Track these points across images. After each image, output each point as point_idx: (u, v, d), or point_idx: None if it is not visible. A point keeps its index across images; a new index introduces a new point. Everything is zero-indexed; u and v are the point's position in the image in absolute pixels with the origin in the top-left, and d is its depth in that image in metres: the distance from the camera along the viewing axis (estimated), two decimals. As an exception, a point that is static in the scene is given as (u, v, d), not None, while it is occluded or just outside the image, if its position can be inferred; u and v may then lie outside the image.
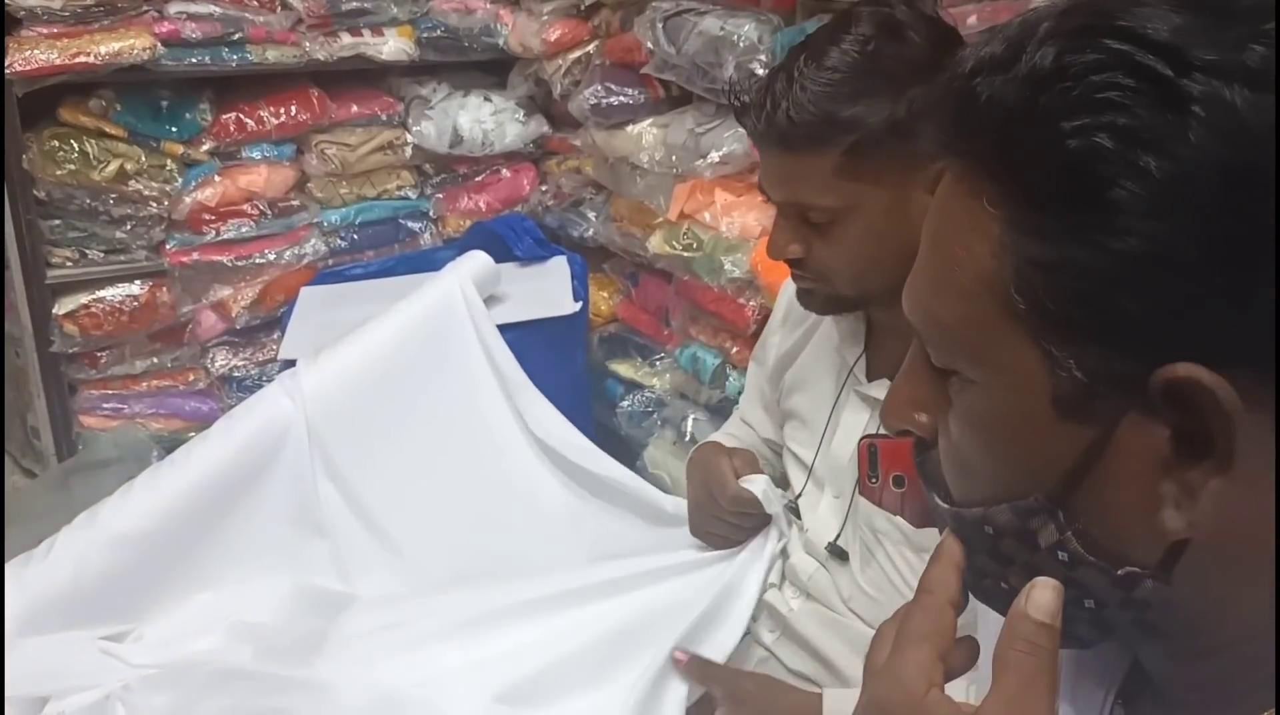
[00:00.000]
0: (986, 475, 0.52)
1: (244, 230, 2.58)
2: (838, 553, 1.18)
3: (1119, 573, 0.48)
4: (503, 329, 1.99)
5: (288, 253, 2.64)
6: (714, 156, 2.12)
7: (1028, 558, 0.51)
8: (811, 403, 1.24)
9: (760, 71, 2.03)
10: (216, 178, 2.54)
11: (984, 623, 0.68)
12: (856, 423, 1.16)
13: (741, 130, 2.10)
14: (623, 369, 2.56)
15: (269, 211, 2.60)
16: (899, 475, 1.08)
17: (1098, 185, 0.44)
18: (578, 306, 2.13)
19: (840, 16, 1.05)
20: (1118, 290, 0.44)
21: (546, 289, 2.16)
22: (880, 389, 1.12)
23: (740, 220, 2.10)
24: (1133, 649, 0.55)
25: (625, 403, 2.52)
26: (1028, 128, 0.46)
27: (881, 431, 1.09)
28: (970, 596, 0.59)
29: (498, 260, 2.06)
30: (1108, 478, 0.47)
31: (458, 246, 2.50)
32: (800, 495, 1.24)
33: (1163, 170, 0.43)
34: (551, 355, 2.19)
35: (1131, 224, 0.43)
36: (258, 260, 2.60)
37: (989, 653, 0.65)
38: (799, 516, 1.25)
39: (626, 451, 2.47)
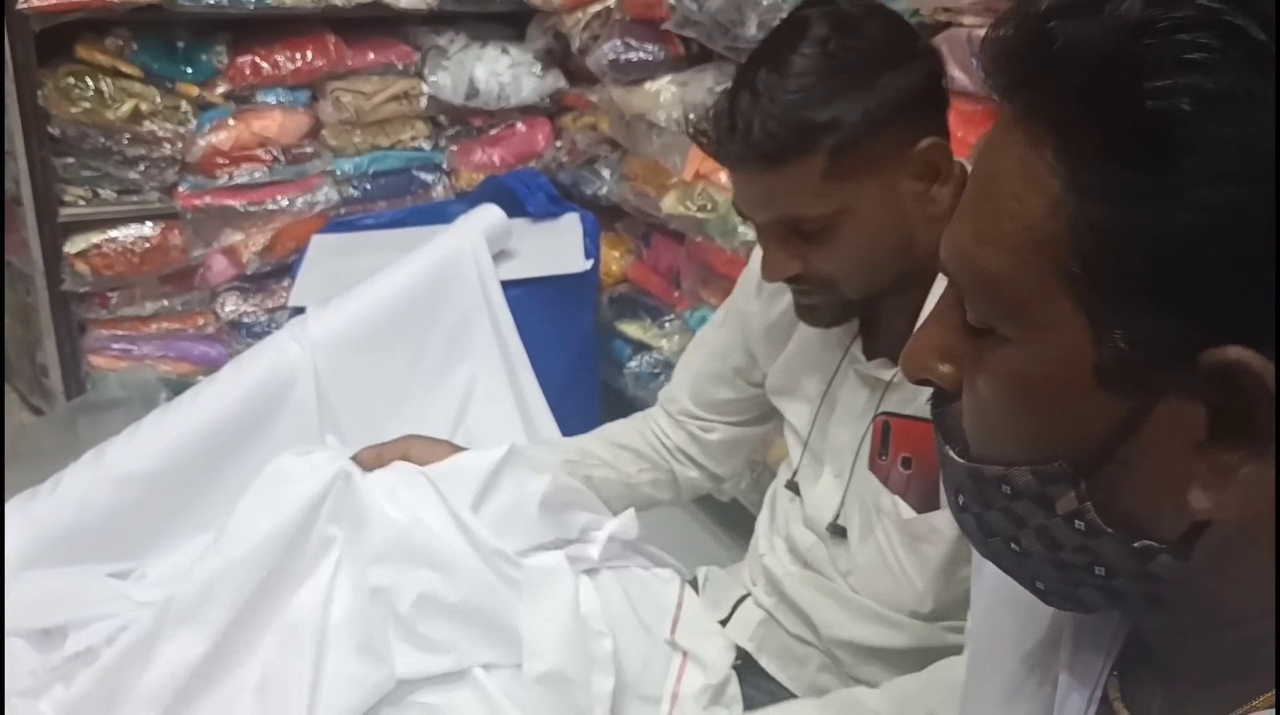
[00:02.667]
0: (1012, 435, 0.50)
1: (257, 175, 2.57)
2: (837, 531, 1.18)
3: (1136, 545, 0.48)
4: (512, 285, 1.99)
5: (300, 200, 2.63)
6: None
7: (1042, 522, 0.50)
8: (808, 378, 1.22)
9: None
10: (231, 121, 2.53)
11: (979, 576, 0.68)
12: (855, 401, 1.15)
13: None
14: (631, 329, 2.56)
15: (282, 158, 2.60)
16: (908, 456, 1.08)
17: (1173, 150, 0.42)
18: (588, 265, 2.13)
19: (789, 23, 1.02)
20: (1178, 262, 0.42)
21: (558, 246, 2.16)
22: (882, 368, 1.11)
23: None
24: (1135, 620, 0.55)
25: (633, 363, 2.52)
26: (1105, 81, 0.43)
27: (896, 410, 1.10)
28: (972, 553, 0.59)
29: (510, 215, 2.06)
30: (1139, 452, 0.46)
31: (470, 200, 2.50)
32: (798, 470, 1.24)
33: (1242, 140, 0.41)
34: (561, 313, 2.19)
35: (1203, 193, 0.41)
36: (270, 206, 2.60)
37: (993, 625, 0.66)
38: (798, 492, 1.24)
39: (632, 412, 2.48)
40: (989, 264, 0.48)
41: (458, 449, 1.26)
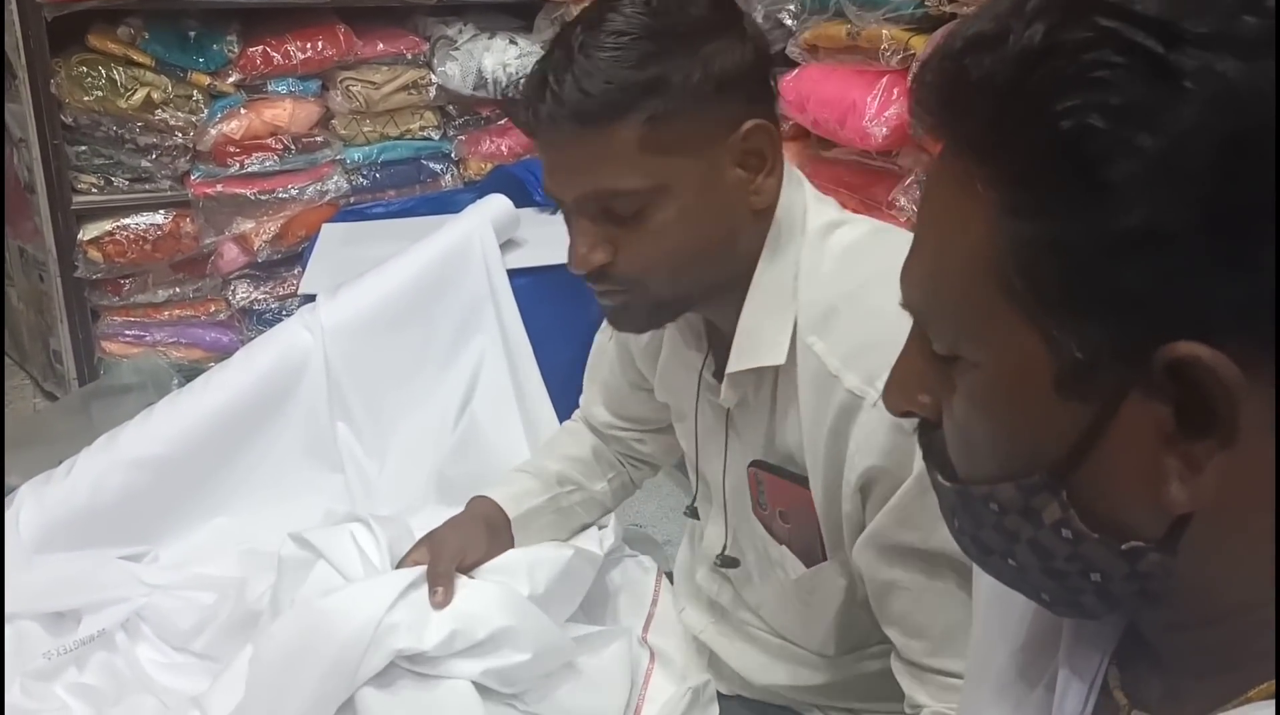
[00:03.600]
0: (990, 453, 0.52)
1: (267, 164, 2.59)
2: (729, 562, 1.14)
3: (1123, 547, 0.49)
4: (519, 274, 2.00)
5: (310, 188, 2.65)
6: (738, 109, 2.12)
7: (1032, 534, 0.51)
8: (679, 399, 1.15)
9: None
10: (242, 110, 2.55)
11: (978, 575, 0.69)
12: (714, 428, 1.08)
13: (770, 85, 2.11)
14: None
15: (293, 146, 2.62)
16: (784, 511, 1.03)
17: (1091, 164, 0.43)
18: (596, 254, 2.13)
19: None
20: (1115, 268, 0.44)
21: (564, 236, 2.17)
22: (725, 390, 1.01)
23: (761, 174, 2.10)
24: (1132, 617, 0.56)
25: (639, 352, 2.53)
26: (1018, 108, 0.45)
27: (764, 459, 1.02)
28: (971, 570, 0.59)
29: (518, 205, 2.07)
30: (1110, 454, 0.47)
31: (478, 189, 2.51)
32: (695, 495, 1.19)
33: (1157, 146, 0.43)
34: (566, 303, 2.19)
35: (1126, 201, 0.43)
36: (280, 195, 2.62)
37: (988, 622, 0.66)
38: (697, 517, 1.20)
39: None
40: (942, 297, 0.51)
41: (495, 536, 1.21)
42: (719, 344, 1.03)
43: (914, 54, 1.69)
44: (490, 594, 1.11)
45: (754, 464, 1.03)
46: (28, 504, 1.44)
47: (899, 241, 0.97)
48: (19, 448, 2.04)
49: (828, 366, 0.91)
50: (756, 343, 0.96)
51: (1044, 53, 0.44)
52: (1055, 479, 0.49)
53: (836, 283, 0.93)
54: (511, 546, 1.21)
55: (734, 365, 0.97)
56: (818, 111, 1.90)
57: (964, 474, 0.54)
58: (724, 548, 1.13)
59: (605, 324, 1.27)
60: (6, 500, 1.48)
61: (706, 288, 0.98)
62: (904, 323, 0.86)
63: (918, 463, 0.85)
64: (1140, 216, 0.43)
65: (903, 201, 1.71)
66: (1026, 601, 0.56)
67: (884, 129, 1.72)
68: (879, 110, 1.73)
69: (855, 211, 1.83)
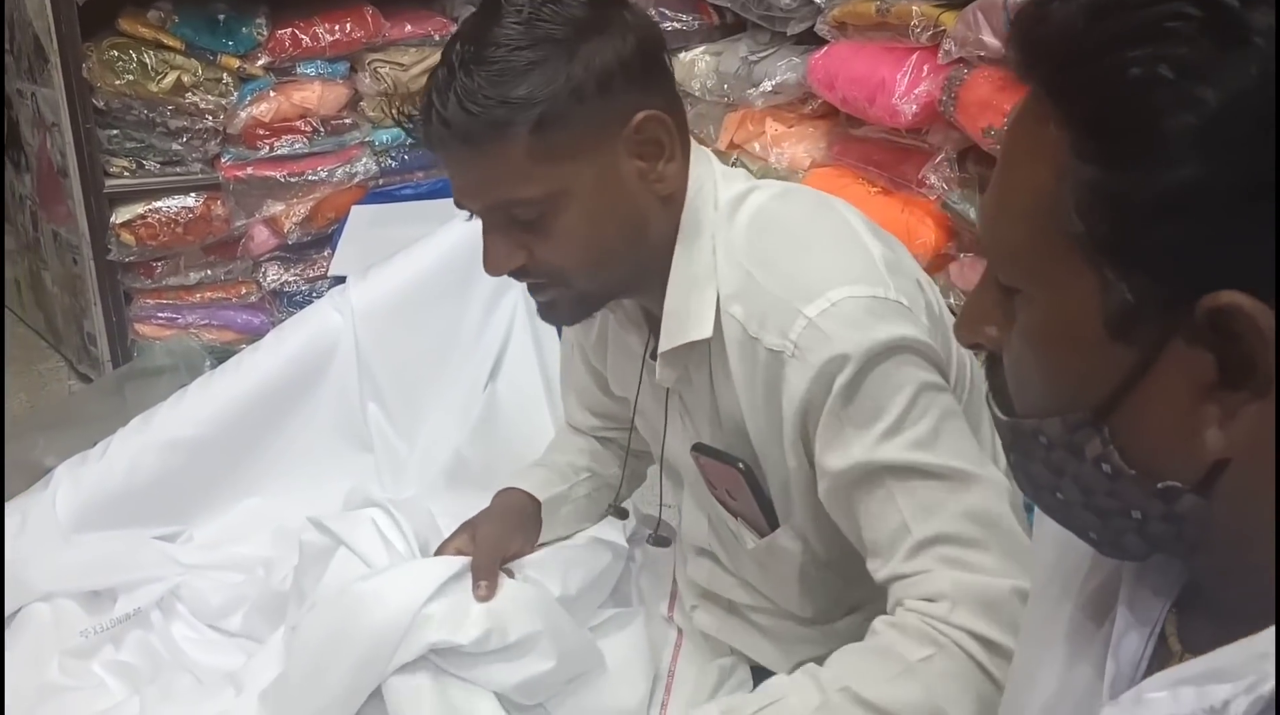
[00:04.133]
0: (1041, 388, 0.54)
1: (297, 147, 2.60)
2: (660, 541, 1.19)
3: (1159, 486, 0.50)
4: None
5: (339, 171, 2.66)
6: (766, 85, 2.11)
7: (1076, 469, 0.53)
8: (632, 399, 1.17)
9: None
10: (271, 93, 2.56)
11: (1040, 522, 0.70)
12: (655, 410, 1.11)
13: (797, 59, 2.10)
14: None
15: (321, 129, 2.62)
16: (729, 490, 1.05)
17: (1154, 115, 0.45)
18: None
19: None
20: (1166, 218, 0.46)
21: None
22: (662, 368, 1.03)
23: (790, 151, 2.09)
24: (1183, 562, 0.57)
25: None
26: (1092, 54, 0.47)
27: (704, 440, 1.04)
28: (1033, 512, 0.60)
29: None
30: (1151, 397, 0.49)
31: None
32: (662, 489, 1.20)
33: (1217, 101, 0.44)
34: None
35: (1184, 154, 0.45)
36: (310, 177, 2.63)
37: (1045, 552, 0.68)
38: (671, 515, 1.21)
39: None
40: (1009, 233, 0.53)
41: (532, 526, 1.22)
42: (656, 328, 1.04)
43: (944, 30, 1.67)
44: (524, 596, 1.12)
45: (695, 447, 1.06)
46: (64, 484, 1.46)
47: (804, 200, 1.00)
48: (55, 429, 2.07)
49: (748, 331, 0.94)
50: (683, 321, 0.98)
51: (1120, 1, 0.46)
52: (1098, 416, 0.51)
53: (748, 249, 0.96)
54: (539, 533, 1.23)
55: (664, 344, 1.00)
56: (846, 89, 1.89)
57: (1019, 408, 0.56)
58: (656, 527, 1.17)
59: (565, 336, 1.30)
60: (43, 481, 1.50)
61: (627, 276, 1.00)
62: (806, 268, 0.90)
63: (838, 384, 0.89)
64: (1193, 170, 0.45)
65: (932, 179, 1.69)
66: (1089, 549, 0.58)
67: (913, 106, 1.70)
68: (909, 87, 1.71)
69: (885, 190, 1.85)
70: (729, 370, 0.97)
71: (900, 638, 0.89)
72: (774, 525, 1.03)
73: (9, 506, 1.48)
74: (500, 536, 1.18)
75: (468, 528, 1.19)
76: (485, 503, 1.27)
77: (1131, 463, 0.51)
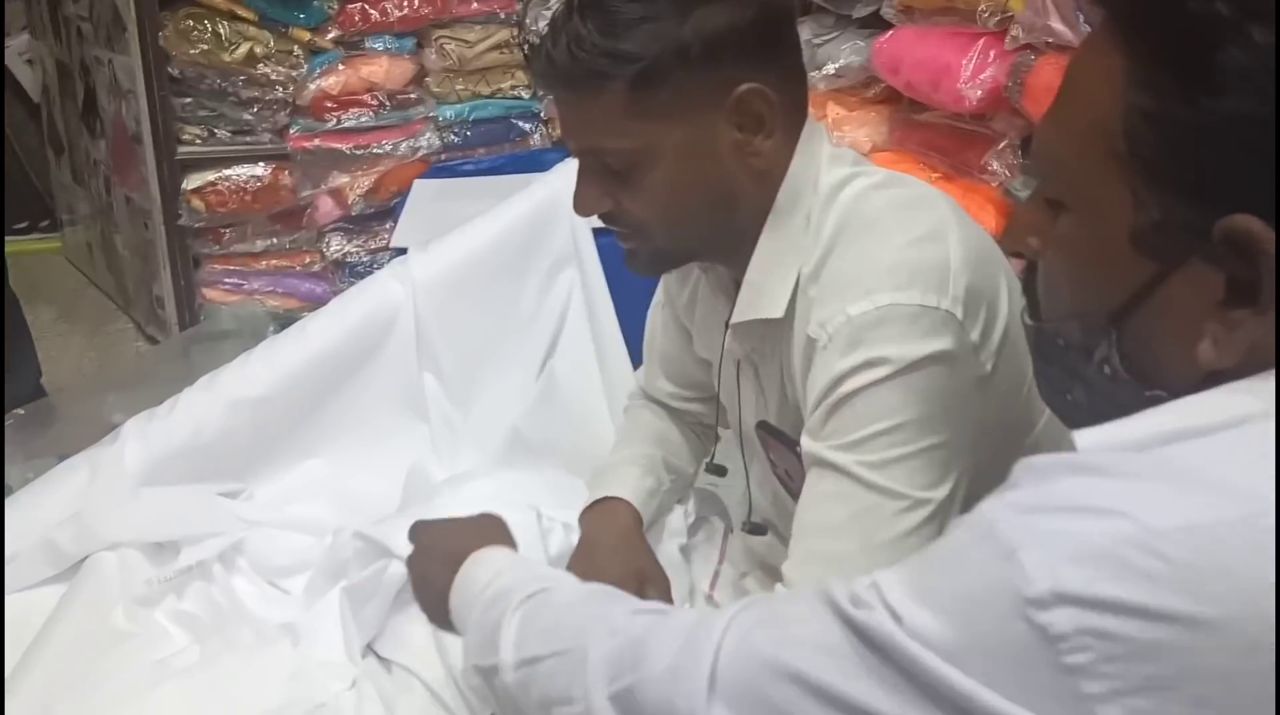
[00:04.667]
0: (1067, 295, 0.59)
1: (363, 120, 2.65)
2: (756, 529, 1.16)
3: (1147, 393, 0.56)
4: (604, 234, 2.01)
5: (403, 144, 2.70)
6: (829, 68, 2.10)
7: (1084, 371, 0.58)
8: (714, 361, 1.15)
9: None
10: (340, 66, 2.61)
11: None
12: (738, 385, 1.10)
13: (861, 43, 2.09)
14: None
15: (387, 103, 2.66)
16: (789, 471, 1.04)
17: (1206, 49, 0.49)
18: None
19: None
20: (1205, 146, 0.50)
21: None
22: (736, 338, 1.04)
23: (851, 135, 2.09)
24: None
25: (722, 314, 2.53)
26: None
27: (770, 419, 1.03)
28: None
29: (607, 163, 2.08)
30: (1161, 309, 0.54)
31: (566, 149, 2.52)
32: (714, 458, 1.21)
33: (1266, 41, 0.48)
34: (652, 262, 2.21)
35: (1228, 87, 0.48)
36: (375, 150, 2.67)
37: None
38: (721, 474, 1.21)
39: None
40: (1060, 147, 0.57)
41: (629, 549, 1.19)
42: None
43: (1012, 16, 1.66)
44: None
45: (760, 426, 1.06)
46: (133, 439, 1.50)
47: (900, 192, 0.98)
48: (122, 389, 2.13)
49: (813, 313, 0.93)
50: (758, 296, 0.98)
51: None
52: (1110, 322, 0.56)
53: (833, 234, 0.95)
54: None
55: (736, 317, 1.00)
56: (911, 74, 1.88)
57: (1046, 314, 0.62)
58: (749, 512, 1.14)
59: (655, 297, 1.29)
60: (112, 435, 1.55)
61: (709, 241, 1.00)
62: (870, 263, 0.90)
63: (847, 384, 0.88)
64: (1236, 103, 0.49)
65: (995, 165, 1.68)
66: None
67: (979, 92, 1.69)
68: (974, 73, 1.70)
69: (946, 176, 1.83)
70: (793, 351, 0.97)
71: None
72: None
73: (78, 458, 1.53)
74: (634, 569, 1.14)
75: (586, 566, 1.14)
76: (539, 480, 1.29)
77: (1130, 369, 0.56)
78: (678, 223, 0.97)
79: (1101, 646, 0.45)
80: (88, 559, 1.33)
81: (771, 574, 1.21)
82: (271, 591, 1.35)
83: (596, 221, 1.94)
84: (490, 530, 0.90)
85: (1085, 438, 0.53)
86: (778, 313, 0.96)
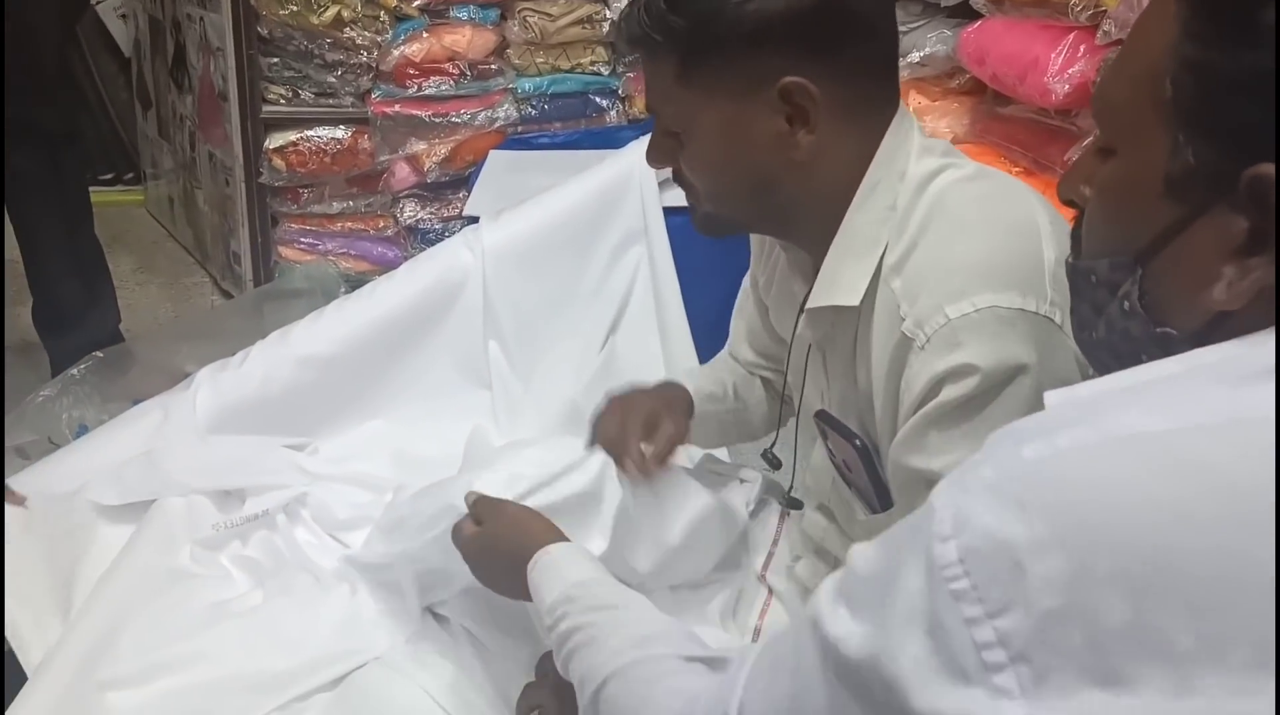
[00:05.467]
0: (1102, 233, 0.63)
1: (443, 88, 2.67)
2: (793, 504, 1.17)
3: (1158, 331, 0.58)
4: (676, 213, 2.01)
5: (481, 115, 2.72)
6: (914, 57, 2.07)
7: (1109, 308, 0.61)
8: (785, 337, 1.17)
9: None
10: (424, 34, 2.63)
11: None
12: (800, 360, 1.10)
13: (948, 32, 2.06)
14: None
15: (468, 73, 2.68)
16: (845, 461, 1.03)
17: (1254, 4, 0.51)
18: (753, 198, 2.14)
19: None
20: (1242, 96, 0.52)
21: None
22: (808, 324, 1.04)
23: (933, 125, 2.06)
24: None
25: (788, 301, 2.53)
26: None
27: (829, 408, 1.03)
28: None
29: (681, 144, 2.08)
30: (1183, 251, 0.56)
31: (642, 128, 2.53)
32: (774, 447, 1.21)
33: None
34: (721, 244, 2.20)
35: (1266, 42, 0.51)
36: (453, 119, 2.69)
37: None
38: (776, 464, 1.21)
39: (782, 348, 2.49)
40: (1115, 93, 0.61)
41: (676, 407, 1.23)
42: (811, 282, 1.05)
43: (1104, 11, 1.62)
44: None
45: (818, 415, 1.06)
46: (204, 388, 1.54)
47: (993, 186, 0.97)
48: (195, 340, 2.19)
49: (899, 306, 0.92)
50: (834, 283, 0.97)
51: None
52: (1136, 260, 0.59)
53: (922, 226, 0.94)
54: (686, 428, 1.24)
55: (812, 302, 1.00)
56: (997, 66, 1.84)
57: (1085, 251, 0.65)
58: (790, 486, 1.16)
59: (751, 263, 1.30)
60: (184, 382, 1.59)
61: (754, 217, 1.03)
62: (965, 260, 0.90)
63: (947, 392, 0.88)
64: (1269, 59, 0.51)
65: (1078, 163, 1.65)
66: None
67: (1066, 86, 1.66)
68: (1063, 67, 1.67)
69: (1027, 171, 1.80)
70: (872, 341, 0.96)
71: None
72: (886, 506, 1.01)
73: (151, 402, 1.57)
74: (653, 409, 1.20)
75: (619, 400, 1.22)
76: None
77: (1145, 306, 0.59)
78: (719, 194, 1.00)
79: (977, 568, 0.49)
80: (156, 502, 1.37)
81: (825, 558, 1.21)
82: (332, 543, 1.38)
83: (669, 200, 1.97)
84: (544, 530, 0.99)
85: (1052, 397, 0.57)
86: (853, 301, 0.96)
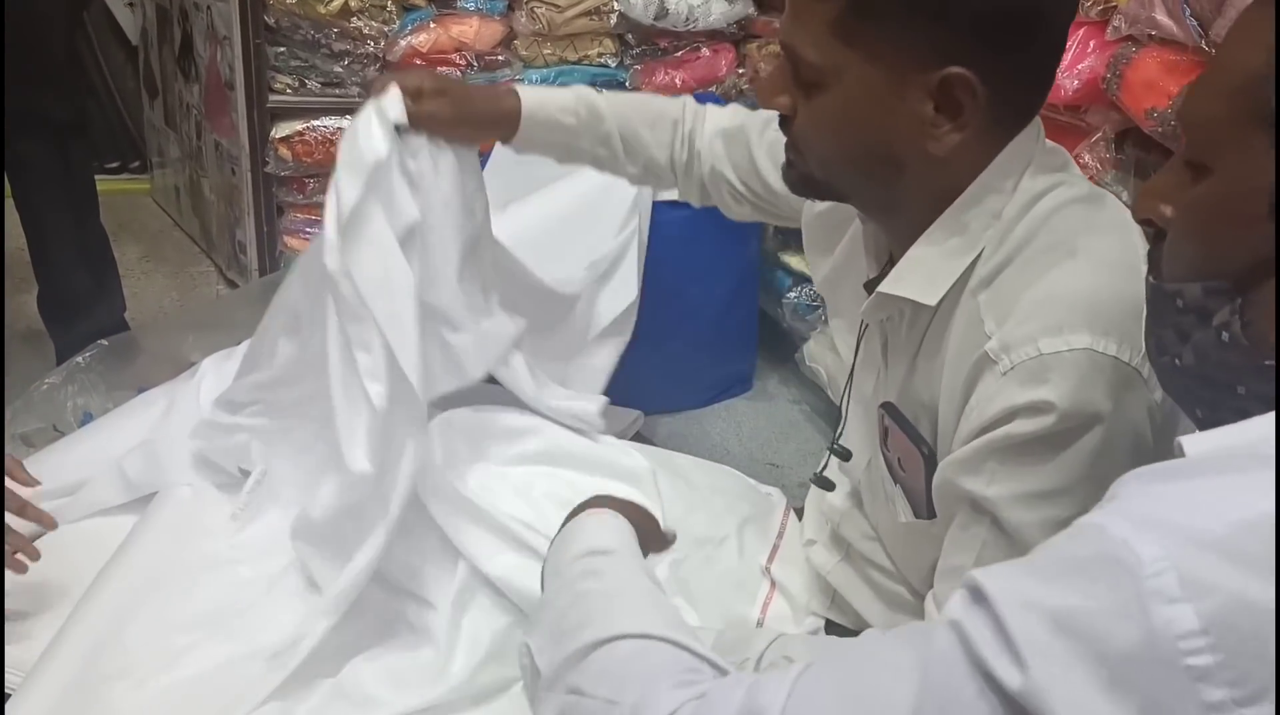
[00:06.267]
0: (1194, 255, 0.59)
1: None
2: (841, 453, 1.13)
3: (1265, 363, 0.55)
4: (681, 206, 2.01)
5: (488, 106, 2.71)
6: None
7: (1199, 335, 0.58)
8: (837, 307, 1.14)
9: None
10: (431, 24, 2.62)
11: None
12: (872, 343, 1.06)
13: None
14: (794, 261, 2.57)
15: (475, 64, 2.68)
16: (901, 458, 1.02)
17: None
18: (760, 192, 2.14)
19: None
20: None
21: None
22: (875, 306, 1.00)
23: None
24: None
25: (792, 294, 2.52)
26: None
27: (894, 402, 1.00)
28: None
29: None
30: None
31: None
32: (843, 429, 1.17)
33: None
34: (725, 239, 2.21)
35: None
36: (459, 110, 2.69)
37: None
38: (845, 458, 1.17)
39: (787, 343, 2.49)
40: (1211, 104, 0.58)
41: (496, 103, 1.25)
42: (883, 259, 1.03)
43: (1115, 6, 1.62)
44: None
45: (884, 406, 1.03)
46: (209, 376, 1.55)
47: (1107, 214, 0.94)
48: (201, 329, 2.18)
49: (984, 322, 0.89)
50: (914, 274, 0.94)
51: None
52: (1237, 287, 0.55)
53: (1025, 242, 0.90)
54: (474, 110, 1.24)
55: (886, 286, 0.96)
56: (1006, 62, 1.84)
57: (1169, 273, 0.61)
58: (839, 434, 1.13)
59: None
60: (189, 371, 1.59)
61: (860, 193, 0.97)
62: (1067, 294, 0.86)
63: (1020, 425, 0.85)
64: None
65: (1087, 158, 1.65)
66: None
67: (1075, 82, 1.65)
68: (1072, 62, 1.66)
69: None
70: (944, 347, 0.93)
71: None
72: (933, 514, 0.99)
73: (156, 391, 1.58)
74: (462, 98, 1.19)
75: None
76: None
77: (1249, 337, 0.55)
78: (834, 159, 0.94)
79: (1227, 643, 0.40)
80: (159, 493, 1.37)
81: (839, 544, 1.21)
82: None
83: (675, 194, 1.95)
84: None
85: (1195, 446, 0.50)
86: (930, 300, 0.93)
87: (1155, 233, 0.64)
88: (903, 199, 0.95)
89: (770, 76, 0.95)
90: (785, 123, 0.95)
